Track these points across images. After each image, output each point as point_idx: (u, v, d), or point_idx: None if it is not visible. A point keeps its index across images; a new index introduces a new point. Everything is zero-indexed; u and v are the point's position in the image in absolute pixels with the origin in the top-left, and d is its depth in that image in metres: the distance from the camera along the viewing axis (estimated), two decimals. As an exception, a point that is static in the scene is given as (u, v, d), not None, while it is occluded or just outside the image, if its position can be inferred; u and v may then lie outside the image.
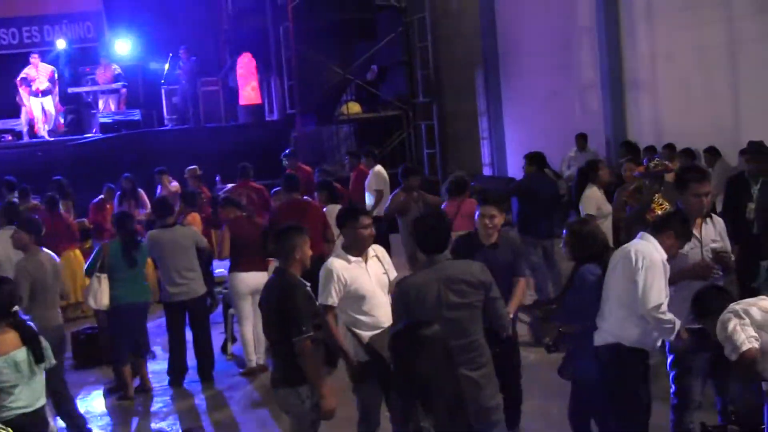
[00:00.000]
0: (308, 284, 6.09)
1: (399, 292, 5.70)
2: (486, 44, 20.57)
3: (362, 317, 6.39)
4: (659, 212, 9.07)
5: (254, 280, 9.72)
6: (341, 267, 6.41)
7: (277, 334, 6.00)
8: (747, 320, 5.49)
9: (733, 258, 6.58)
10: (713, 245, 6.42)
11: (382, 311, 6.39)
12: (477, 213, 7.06)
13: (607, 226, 9.57)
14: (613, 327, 6.06)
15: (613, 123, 16.73)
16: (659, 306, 5.87)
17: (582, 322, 6.21)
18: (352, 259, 6.46)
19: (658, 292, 5.87)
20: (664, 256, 6.00)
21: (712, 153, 13.58)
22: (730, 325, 5.51)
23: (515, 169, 19.62)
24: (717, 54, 14.40)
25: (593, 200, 9.80)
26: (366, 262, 6.52)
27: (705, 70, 14.71)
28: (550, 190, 11.43)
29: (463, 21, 21.16)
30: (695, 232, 6.35)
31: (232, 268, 9.98)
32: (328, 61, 20.20)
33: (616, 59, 16.64)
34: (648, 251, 5.96)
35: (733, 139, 13.64)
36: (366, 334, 6.32)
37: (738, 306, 5.61)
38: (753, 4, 13.54)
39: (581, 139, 16.33)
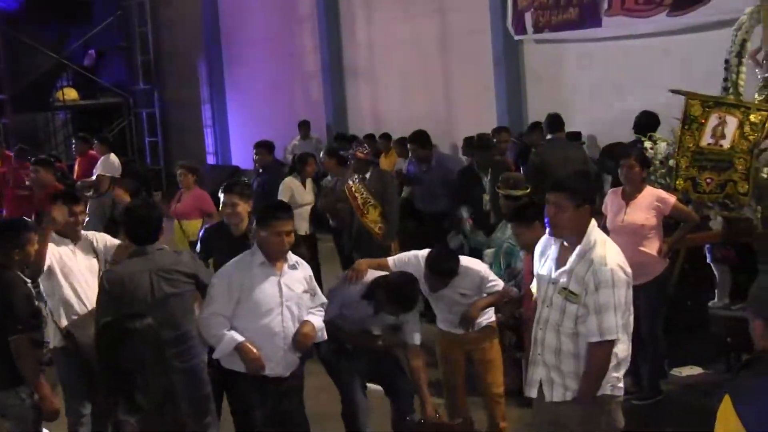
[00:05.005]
0: (29, 281, 5.80)
1: (108, 282, 5.51)
2: (208, 31, 20.29)
3: (72, 299, 6.17)
4: (360, 202, 9.25)
5: None
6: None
7: None
8: None
9: None
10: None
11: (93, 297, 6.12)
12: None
13: (301, 215, 9.66)
14: None
15: (334, 111, 17.02)
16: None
17: None
18: (59, 239, 6.23)
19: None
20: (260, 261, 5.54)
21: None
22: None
23: (239, 157, 19.52)
24: (431, 46, 14.96)
25: (289, 189, 10.04)
26: (75, 244, 6.32)
27: (421, 61, 15.23)
28: None
29: (184, 7, 20.79)
30: None
31: None
32: (40, 43, 19.24)
33: (335, 48, 16.89)
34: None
35: (447, 129, 14.25)
36: (64, 322, 6.14)
37: None
38: (462, -1, 14.17)
39: (304, 127, 16.48)
